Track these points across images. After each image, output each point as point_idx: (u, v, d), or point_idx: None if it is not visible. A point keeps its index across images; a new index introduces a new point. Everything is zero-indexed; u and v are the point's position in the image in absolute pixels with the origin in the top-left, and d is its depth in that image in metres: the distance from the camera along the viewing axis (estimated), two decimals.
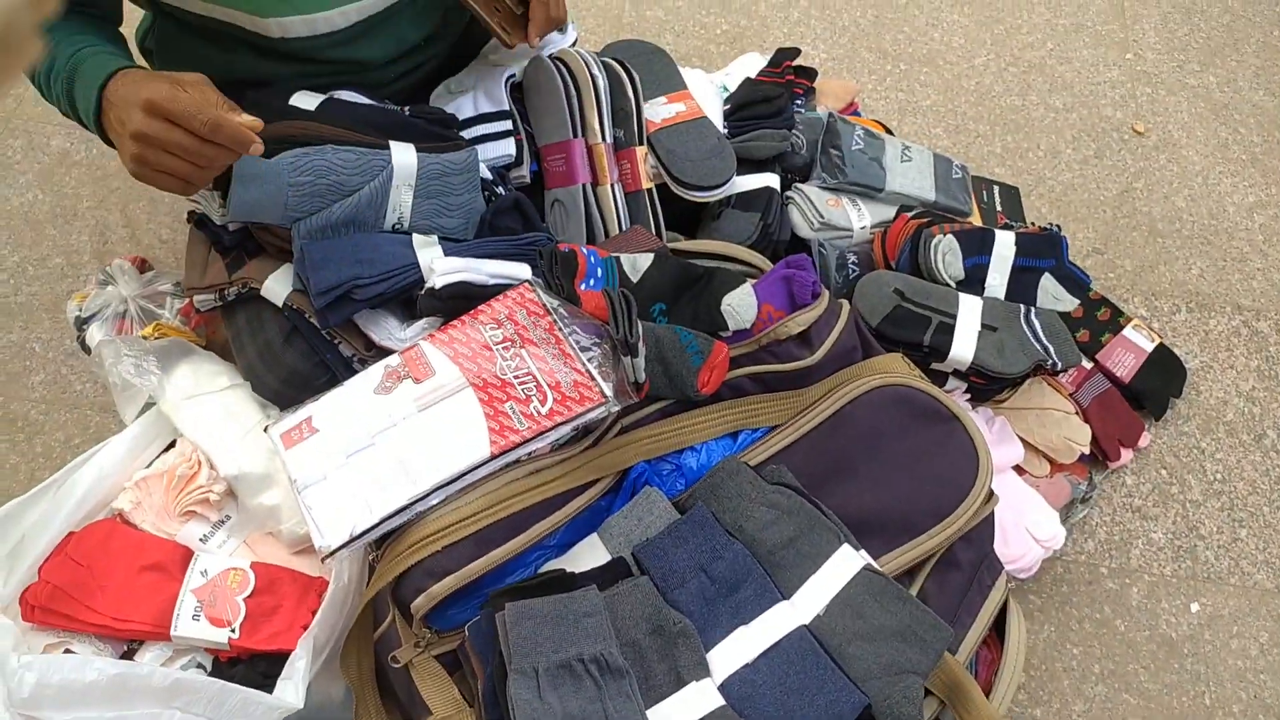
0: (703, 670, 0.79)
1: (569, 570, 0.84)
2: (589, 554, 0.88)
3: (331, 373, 1.03)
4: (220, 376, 1.07)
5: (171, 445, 1.06)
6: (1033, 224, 1.37)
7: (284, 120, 0.99)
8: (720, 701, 0.77)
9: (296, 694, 0.88)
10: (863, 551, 0.87)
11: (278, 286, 1.01)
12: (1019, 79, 1.71)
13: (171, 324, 1.19)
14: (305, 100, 1.04)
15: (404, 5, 1.04)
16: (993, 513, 0.98)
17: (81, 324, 1.21)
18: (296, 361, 1.02)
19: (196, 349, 1.11)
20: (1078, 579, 1.23)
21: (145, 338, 1.14)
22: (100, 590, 0.94)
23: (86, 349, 1.21)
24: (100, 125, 0.85)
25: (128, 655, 0.96)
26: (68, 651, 0.92)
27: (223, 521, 1.04)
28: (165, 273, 1.27)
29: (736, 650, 0.81)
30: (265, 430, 0.91)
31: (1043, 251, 1.21)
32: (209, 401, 1.04)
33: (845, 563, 0.85)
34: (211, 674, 0.94)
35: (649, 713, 0.75)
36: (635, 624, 0.79)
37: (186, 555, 0.98)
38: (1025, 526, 1.15)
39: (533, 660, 0.73)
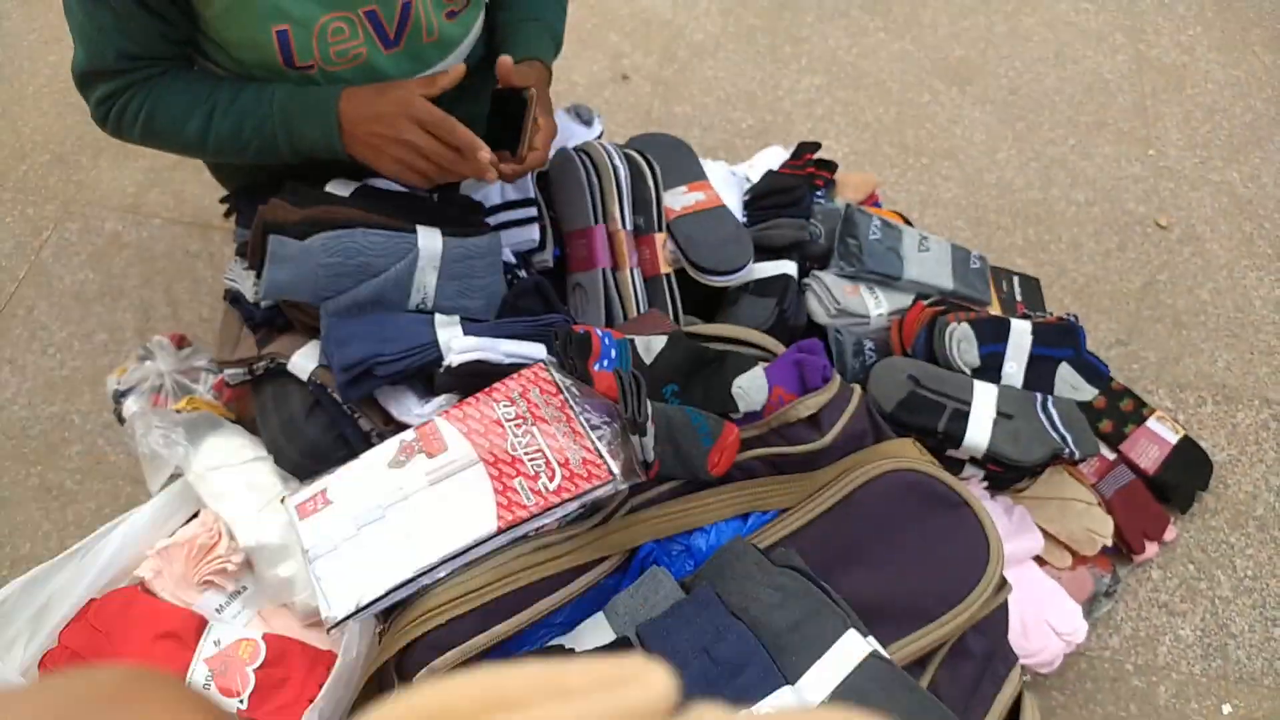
0: None
1: (573, 648, 0.84)
2: (594, 632, 0.88)
3: (350, 446, 1.05)
4: (245, 449, 1.10)
5: (195, 515, 1.08)
6: (1051, 314, 1.37)
7: (319, 205, 1.05)
8: None
9: None
10: (870, 638, 0.85)
11: (304, 362, 1.05)
12: (1041, 173, 1.74)
13: (204, 398, 1.23)
14: (340, 187, 1.10)
15: (451, 103, 1.10)
16: (1006, 602, 0.96)
17: (119, 397, 1.25)
18: (317, 435, 1.05)
19: (225, 422, 1.15)
20: (1102, 675, 1.19)
21: (178, 411, 1.18)
22: (116, 657, 0.96)
23: (122, 420, 1.25)
24: (343, 145, 1.01)
25: None
26: None
27: (239, 592, 1.05)
28: (202, 349, 1.32)
29: None
30: (282, 501, 0.93)
31: (1060, 341, 1.21)
32: (232, 473, 1.07)
33: (852, 649, 0.84)
34: None
35: None
36: None
37: (201, 624, 1.00)
38: (1046, 619, 1.13)
39: None
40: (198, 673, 0.95)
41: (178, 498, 1.08)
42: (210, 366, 1.28)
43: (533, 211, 1.18)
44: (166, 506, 1.07)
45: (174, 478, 1.13)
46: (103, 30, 0.94)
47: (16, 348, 1.44)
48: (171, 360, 1.26)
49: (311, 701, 0.93)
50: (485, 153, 0.97)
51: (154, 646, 0.97)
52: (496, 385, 0.95)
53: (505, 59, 1.03)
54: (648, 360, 1.02)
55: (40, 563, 1.00)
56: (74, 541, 1.15)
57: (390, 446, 0.92)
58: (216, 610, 1.03)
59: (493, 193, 1.21)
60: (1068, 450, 1.11)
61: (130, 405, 1.22)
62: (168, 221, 1.58)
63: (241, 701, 0.94)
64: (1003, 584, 0.94)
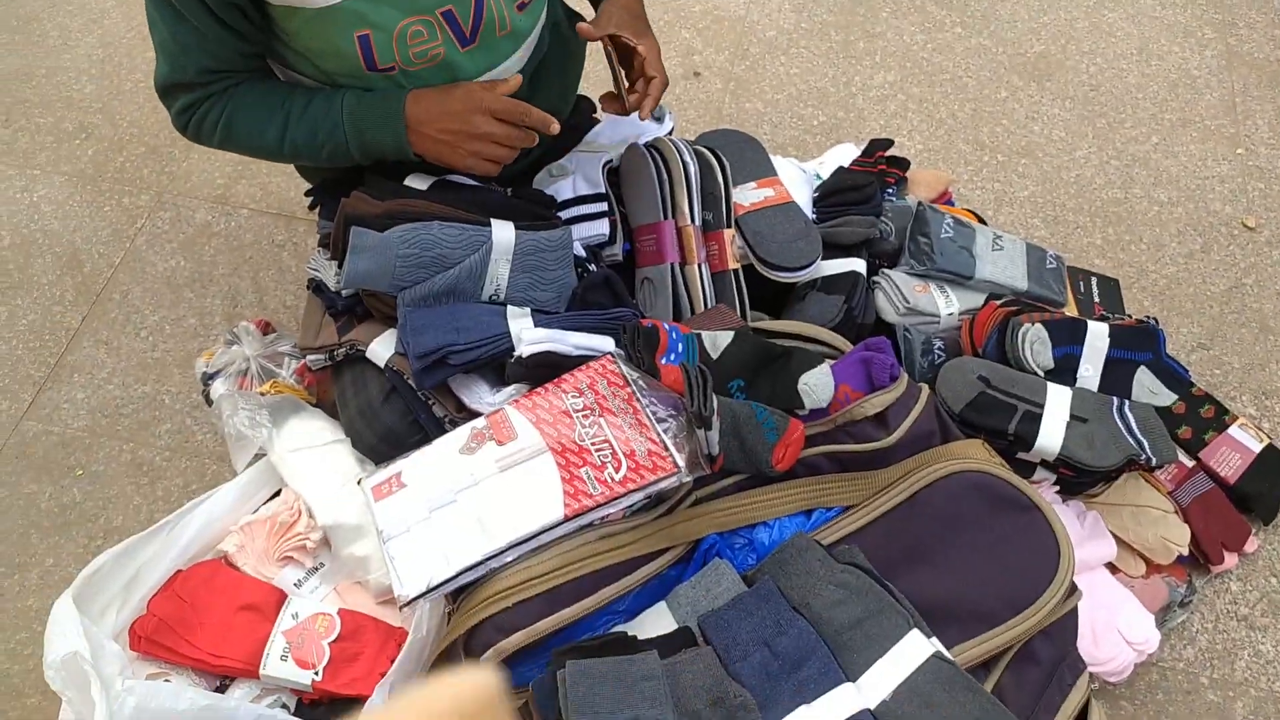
0: None
1: (636, 635, 0.85)
2: (656, 621, 0.89)
3: (424, 431, 1.08)
4: (325, 432, 1.15)
5: (277, 494, 1.13)
6: (1130, 316, 1.34)
7: (398, 199, 1.08)
8: None
9: None
10: (934, 639, 0.85)
11: (381, 349, 1.08)
12: (1121, 172, 1.70)
13: (287, 382, 1.28)
14: (418, 181, 1.13)
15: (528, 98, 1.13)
16: (1076, 609, 0.95)
17: (207, 379, 1.31)
18: (393, 420, 1.09)
19: (306, 406, 1.20)
20: (1175, 688, 1.16)
21: (262, 394, 1.23)
22: (200, 626, 1.01)
23: (209, 402, 1.31)
24: (410, 145, 1.05)
25: (219, 690, 1.01)
26: (166, 681, 0.98)
27: (316, 568, 1.10)
28: (286, 335, 1.37)
29: None
30: (359, 483, 0.97)
31: (1139, 344, 1.18)
32: (312, 455, 1.11)
33: (914, 649, 0.84)
34: (294, 714, 0.98)
35: None
36: (696, 694, 0.80)
37: (280, 598, 1.04)
38: (1117, 627, 1.10)
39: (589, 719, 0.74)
40: (276, 644, 1.00)
41: (261, 476, 1.13)
42: (293, 352, 1.33)
43: (603, 206, 1.20)
44: (250, 484, 1.12)
45: (257, 458, 1.18)
46: (185, 47, 0.98)
47: (112, 330, 1.51)
48: (257, 345, 1.31)
49: (383, 675, 0.97)
50: (556, 124, 1.03)
51: (236, 617, 1.02)
52: (565, 376, 0.97)
53: (580, 24, 1.09)
54: (714, 355, 1.03)
55: (131, 535, 1.06)
56: (163, 515, 1.20)
57: (462, 433, 0.95)
58: (295, 585, 1.08)
59: (564, 187, 1.23)
60: (1144, 456, 1.09)
61: (217, 387, 1.28)
62: (255, 212, 1.64)
63: (316, 673, 0.99)
64: (1073, 590, 0.93)
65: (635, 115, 1.10)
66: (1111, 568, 1.18)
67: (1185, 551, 1.18)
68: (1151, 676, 1.18)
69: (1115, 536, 1.17)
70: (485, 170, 1.06)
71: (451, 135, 1.03)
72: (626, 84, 1.12)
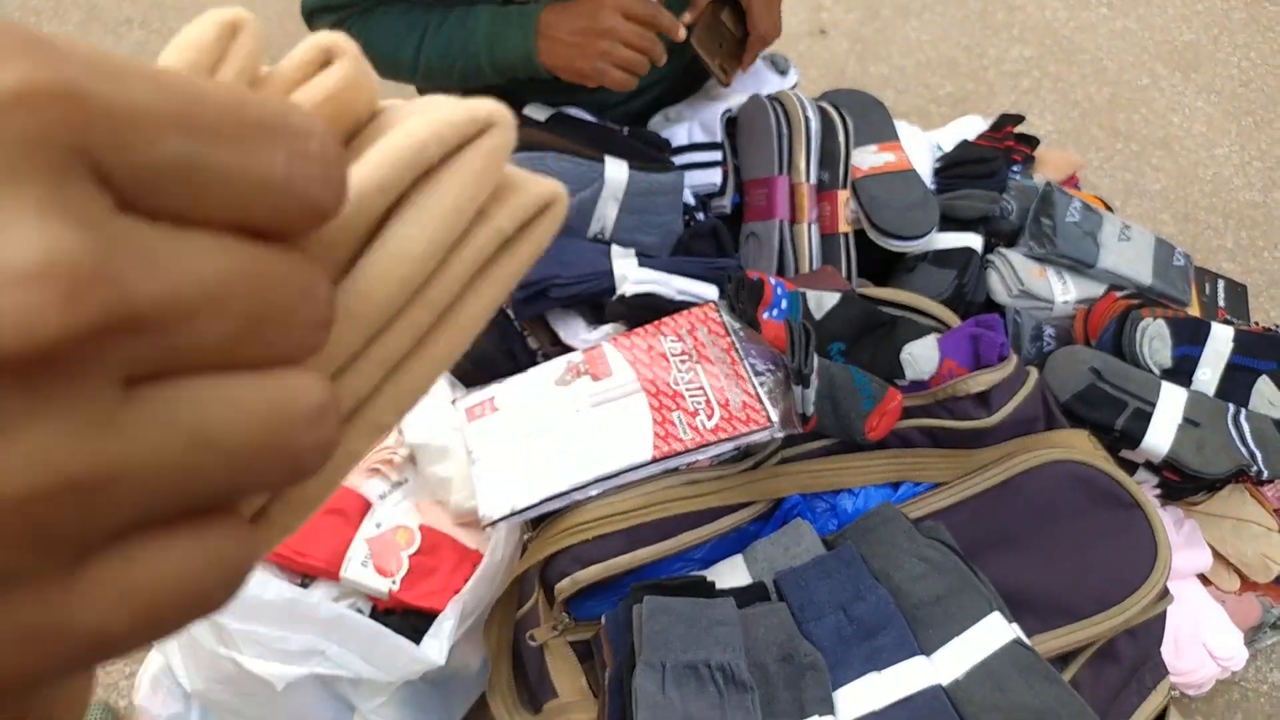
0: (827, 707, 0.78)
1: (713, 581, 0.85)
2: (731, 572, 0.89)
3: (516, 362, 1.10)
4: None
5: None
6: (1256, 324, 1.27)
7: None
8: None
9: (440, 652, 0.94)
10: (1015, 624, 0.83)
11: None
12: (1263, 174, 1.60)
13: None
14: (537, 112, 1.13)
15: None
16: (1164, 614, 0.91)
17: None
18: (487, 347, 1.10)
19: None
20: (1256, 710, 1.12)
21: None
22: None
23: None
24: (540, 54, 1.04)
25: (301, 587, 1.05)
26: None
27: (401, 483, 1.12)
28: None
29: (865, 695, 0.79)
30: (453, 404, 0.98)
31: (1264, 352, 1.12)
32: None
33: (994, 631, 0.82)
34: (369, 618, 1.02)
35: None
36: (766, 648, 0.80)
37: (365, 506, 1.07)
38: (1203, 641, 1.06)
39: (661, 655, 0.75)
40: (358, 550, 1.03)
41: None
42: None
43: (717, 155, 1.18)
44: None
45: None
46: None
47: None
48: None
49: (456, 593, 0.99)
50: (682, 32, 1.03)
51: (322, 520, 1.05)
52: (665, 320, 0.97)
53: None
54: (818, 315, 1.01)
55: None
56: None
57: (558, 365, 0.95)
58: (380, 496, 1.10)
59: (679, 133, 1.22)
60: (1255, 468, 1.03)
61: None
62: None
63: (394, 582, 1.01)
64: (1164, 594, 0.89)
65: (757, 66, 1.09)
66: (1204, 580, 1.14)
67: None
68: (1233, 695, 1.13)
69: (1212, 549, 1.13)
70: (616, 81, 1.03)
71: (580, 36, 1.01)
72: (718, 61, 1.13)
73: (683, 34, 1.03)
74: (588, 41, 1.01)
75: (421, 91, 1.32)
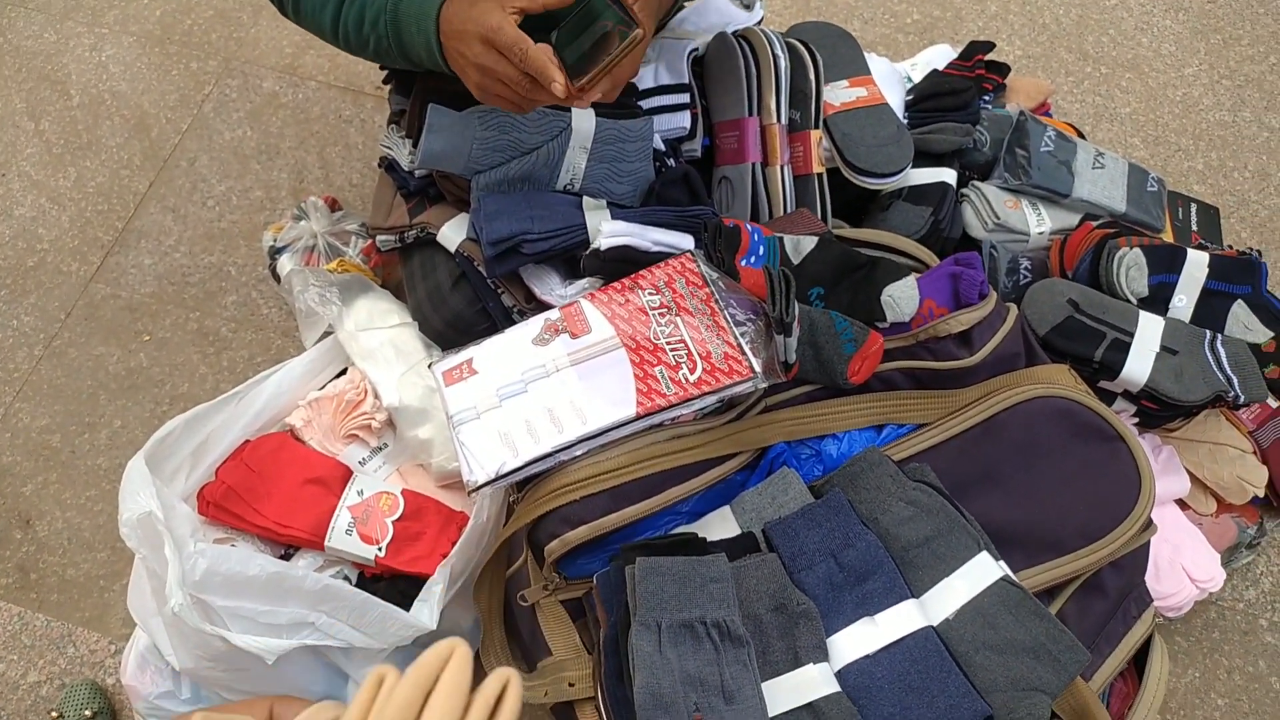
0: (821, 654, 0.78)
1: (703, 537, 0.85)
2: (719, 524, 0.89)
3: (491, 320, 1.07)
4: (392, 314, 1.14)
5: (343, 372, 1.13)
6: (1230, 247, 1.27)
7: None
8: (836, 687, 0.77)
9: (430, 616, 0.94)
10: (1002, 562, 0.84)
11: (452, 233, 1.06)
12: (1232, 93, 1.59)
13: (354, 261, 1.27)
14: None
15: None
16: (1148, 544, 0.93)
17: (274, 253, 1.31)
18: (460, 306, 1.07)
19: (374, 286, 1.19)
20: (1232, 627, 1.15)
21: (330, 271, 1.23)
22: (268, 496, 1.02)
23: (276, 276, 1.31)
24: (443, 58, 0.88)
25: (284, 559, 1.03)
26: (233, 546, 1.01)
27: (380, 448, 1.11)
28: (352, 214, 1.35)
29: (858, 640, 0.80)
30: (429, 367, 0.96)
31: (1238, 276, 1.12)
32: (379, 336, 1.11)
33: (982, 570, 0.83)
34: (356, 586, 1.01)
35: (762, 687, 0.76)
36: (759, 598, 0.80)
37: (346, 474, 1.05)
38: (1182, 564, 1.08)
39: (657, 615, 0.74)
40: (341, 518, 1.01)
41: (328, 353, 1.13)
42: (360, 231, 1.31)
43: (685, 98, 1.15)
44: (318, 360, 1.12)
45: (325, 334, 1.17)
46: None
47: (179, 197, 1.50)
48: (324, 221, 1.30)
49: (444, 557, 0.98)
50: (558, 84, 0.79)
51: (303, 490, 1.03)
52: (642, 273, 0.95)
53: None
54: (795, 260, 0.99)
55: (196, 402, 1.07)
56: (228, 385, 1.22)
57: (535, 324, 0.93)
58: (360, 463, 1.09)
59: (645, 75, 1.18)
60: (1233, 393, 1.04)
61: (285, 263, 1.27)
62: (322, 85, 1.61)
63: (380, 549, 1.00)
64: (1148, 524, 0.90)
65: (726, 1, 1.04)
66: (1181, 504, 1.16)
67: (1261, 493, 1.15)
68: (1209, 614, 1.16)
69: (1189, 473, 1.14)
70: (496, 105, 0.87)
71: (461, 58, 0.85)
72: None
73: (560, 91, 0.80)
74: (466, 67, 0.85)
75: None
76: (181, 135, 1.56)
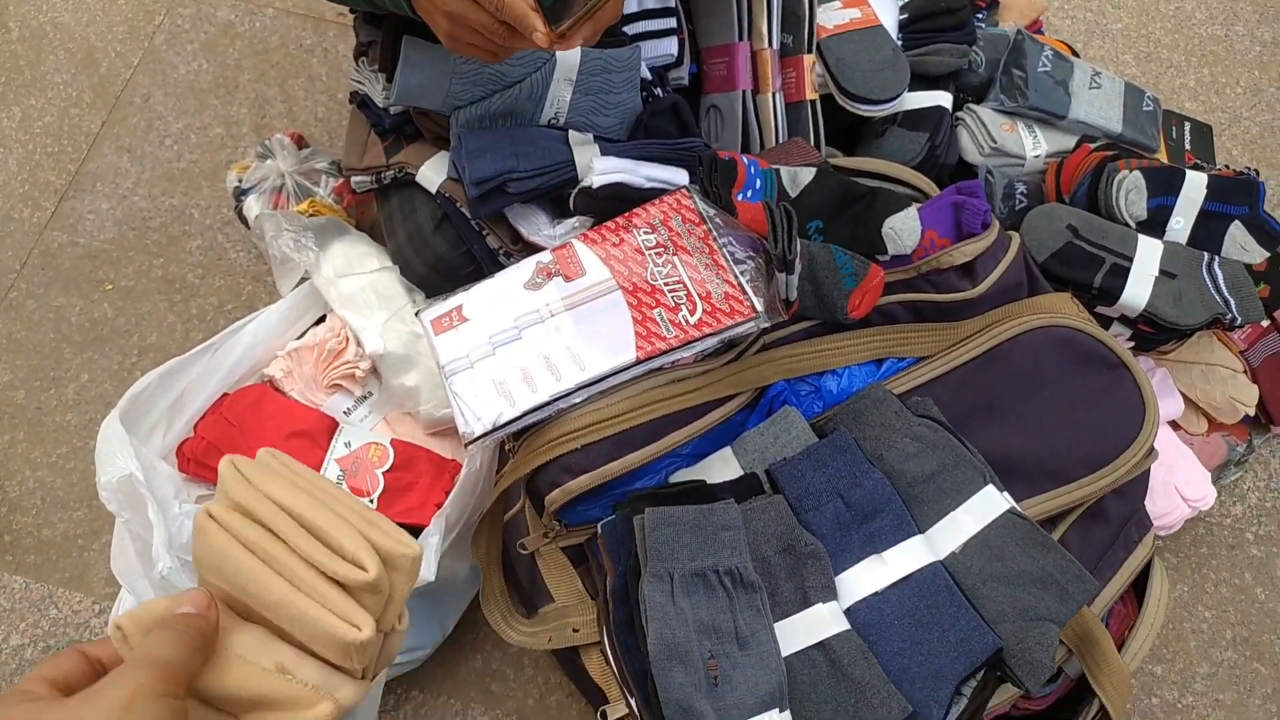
0: (830, 593, 0.78)
1: (705, 481, 0.83)
2: (721, 466, 0.87)
3: (476, 263, 1.03)
4: (371, 258, 1.09)
5: (322, 319, 1.09)
6: (1225, 167, 1.26)
7: None
8: (846, 625, 0.76)
9: (429, 568, 0.92)
10: (1007, 494, 0.83)
11: (432, 173, 1.01)
12: (1224, 7, 1.55)
13: (326, 202, 1.21)
14: None
15: None
16: (1149, 470, 0.93)
17: (240, 194, 1.24)
18: (444, 249, 1.03)
19: (350, 229, 1.14)
20: (1220, 542, 1.17)
21: (300, 213, 1.17)
22: (250, 451, 0.99)
23: (243, 219, 1.25)
24: (409, 3, 0.83)
25: None
26: None
27: (365, 397, 1.07)
28: (320, 150, 1.29)
29: (867, 578, 0.80)
30: (416, 314, 0.93)
31: (1236, 197, 1.11)
32: (359, 281, 1.07)
33: (988, 503, 0.82)
34: None
35: (774, 628, 0.75)
36: (767, 540, 0.79)
37: (332, 425, 1.02)
38: (1174, 484, 1.09)
39: (669, 565, 0.73)
40: (330, 471, 0.98)
41: (305, 300, 1.09)
42: (330, 169, 1.26)
43: (671, 22, 1.09)
44: (295, 308, 1.08)
45: (302, 280, 1.13)
46: None
47: (134, 137, 1.43)
48: (292, 160, 1.24)
49: (439, 507, 0.96)
50: (540, 32, 0.75)
51: (287, 443, 1.00)
52: (637, 211, 0.91)
53: None
54: (793, 193, 0.96)
55: (166, 352, 1.02)
56: (198, 334, 1.17)
57: (526, 267, 0.90)
58: (344, 413, 1.06)
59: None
60: (1230, 315, 1.04)
61: (252, 205, 1.22)
62: (281, 12, 1.52)
63: (371, 501, 0.98)
64: (1151, 451, 0.90)
65: None
66: (1173, 425, 1.16)
67: (1252, 412, 1.16)
68: (1198, 530, 1.18)
69: (1182, 394, 1.15)
70: (467, 55, 0.84)
71: (428, 11, 0.81)
72: None
73: (541, 40, 0.75)
74: (435, 15, 0.81)
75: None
76: (133, 70, 1.48)
